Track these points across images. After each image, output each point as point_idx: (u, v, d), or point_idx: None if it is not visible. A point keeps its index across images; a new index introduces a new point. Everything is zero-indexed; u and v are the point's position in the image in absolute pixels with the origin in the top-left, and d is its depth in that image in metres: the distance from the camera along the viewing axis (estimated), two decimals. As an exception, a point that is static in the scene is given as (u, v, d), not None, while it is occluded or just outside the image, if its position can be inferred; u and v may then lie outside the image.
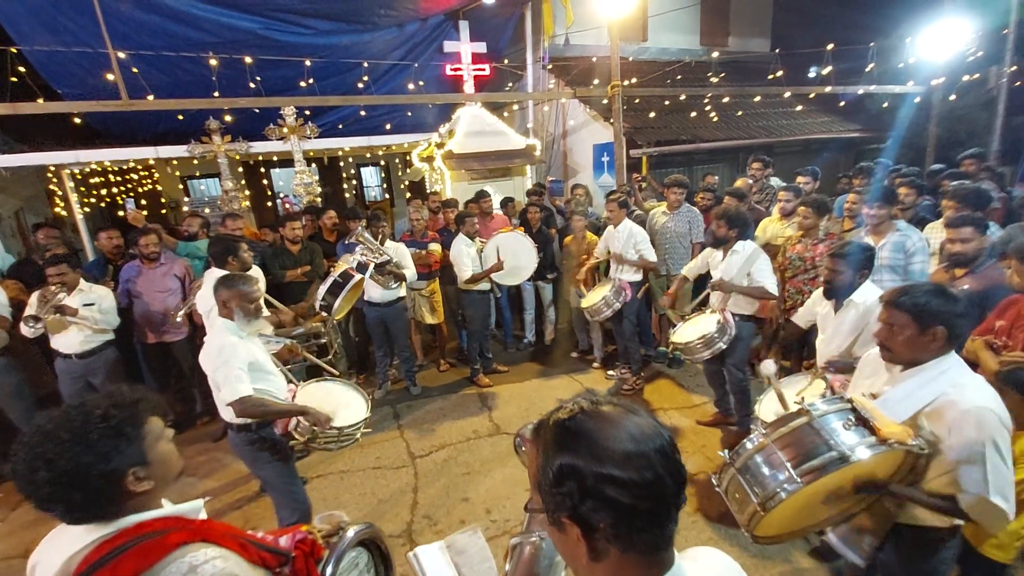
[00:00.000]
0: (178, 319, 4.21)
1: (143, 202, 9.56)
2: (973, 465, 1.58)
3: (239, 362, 2.49)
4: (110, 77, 5.10)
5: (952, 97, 9.21)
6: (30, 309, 3.71)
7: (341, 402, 2.92)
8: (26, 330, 3.69)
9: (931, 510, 1.71)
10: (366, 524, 1.70)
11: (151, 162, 7.93)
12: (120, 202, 8.75)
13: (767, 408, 2.67)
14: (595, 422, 0.79)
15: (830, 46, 8.17)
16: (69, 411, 1.14)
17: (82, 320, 3.87)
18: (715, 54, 9.14)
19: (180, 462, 1.31)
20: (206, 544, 1.15)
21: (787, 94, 8.73)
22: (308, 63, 6.30)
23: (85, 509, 1.12)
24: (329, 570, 1.51)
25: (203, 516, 1.30)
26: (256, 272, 3.93)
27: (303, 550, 1.48)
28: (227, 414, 2.64)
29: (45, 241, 4.83)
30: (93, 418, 1.12)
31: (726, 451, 1.71)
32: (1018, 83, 8.70)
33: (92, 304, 3.94)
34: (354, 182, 12.11)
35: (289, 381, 2.81)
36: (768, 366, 2.46)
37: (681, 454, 0.81)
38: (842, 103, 10.44)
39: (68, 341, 3.94)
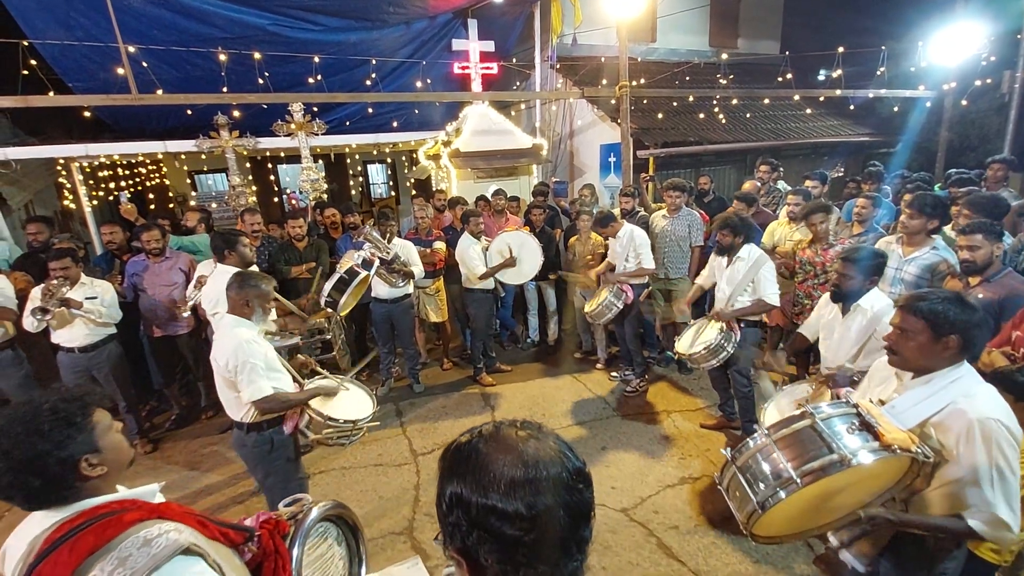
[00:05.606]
0: (186, 313, 4.21)
1: (151, 196, 9.60)
2: (980, 477, 1.57)
3: (258, 360, 2.48)
4: (120, 71, 5.14)
5: (964, 102, 9.12)
6: (33, 302, 3.72)
7: (348, 397, 2.94)
8: (30, 323, 3.70)
9: (943, 535, 1.68)
10: (332, 502, 1.78)
11: (159, 156, 7.97)
12: (128, 196, 8.78)
13: (771, 415, 2.66)
14: (488, 446, 0.75)
15: (840, 49, 8.10)
16: (19, 408, 1.22)
17: (87, 313, 3.89)
18: (724, 56, 9.07)
19: (131, 451, 1.41)
20: (161, 520, 1.20)
21: (796, 97, 8.67)
22: (317, 60, 6.33)
23: (44, 495, 1.20)
24: (297, 545, 1.57)
25: (160, 499, 1.35)
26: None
27: (267, 528, 1.51)
28: (237, 413, 2.62)
29: (34, 237, 4.77)
30: (43, 411, 1.21)
31: (728, 449, 1.74)
32: (1031, 88, 8.60)
33: (94, 298, 3.96)
34: (360, 179, 12.15)
35: (295, 380, 2.82)
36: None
37: (593, 485, 0.77)
38: (852, 106, 10.36)
39: (72, 335, 3.96)
